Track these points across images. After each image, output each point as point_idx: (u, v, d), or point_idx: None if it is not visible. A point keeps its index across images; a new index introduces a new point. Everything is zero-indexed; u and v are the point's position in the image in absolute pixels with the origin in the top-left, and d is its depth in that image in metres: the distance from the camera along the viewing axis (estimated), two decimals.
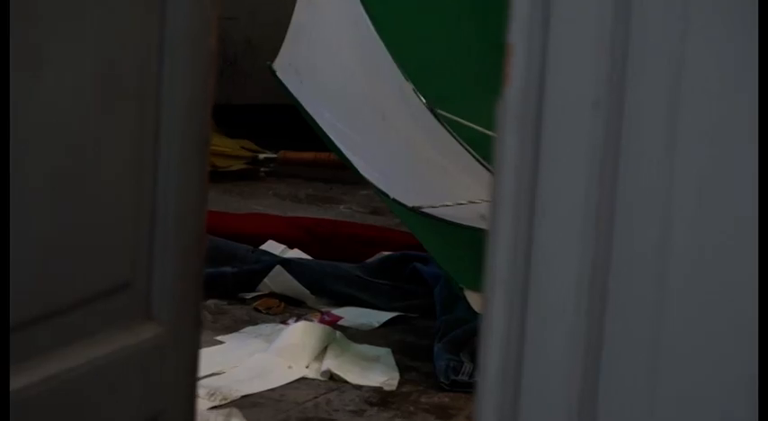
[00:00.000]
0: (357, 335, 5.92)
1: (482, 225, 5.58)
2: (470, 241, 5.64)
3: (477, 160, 6.07)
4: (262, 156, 8.17)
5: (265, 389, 5.42)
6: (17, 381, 2.43)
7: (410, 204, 5.90)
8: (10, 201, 2.34)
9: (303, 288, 6.32)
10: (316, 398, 5.41)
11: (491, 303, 1.98)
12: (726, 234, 1.93)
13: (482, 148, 5.98)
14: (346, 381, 5.53)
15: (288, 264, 6.46)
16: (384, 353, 5.71)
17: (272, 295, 6.32)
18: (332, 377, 5.55)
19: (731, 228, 1.93)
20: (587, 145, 1.95)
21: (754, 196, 1.90)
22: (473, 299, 5.58)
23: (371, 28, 6.26)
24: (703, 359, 1.96)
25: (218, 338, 5.73)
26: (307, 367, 5.60)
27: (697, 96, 1.93)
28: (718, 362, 1.95)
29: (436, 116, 6.18)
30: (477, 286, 5.52)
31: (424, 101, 6.20)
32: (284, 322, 6.00)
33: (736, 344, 1.92)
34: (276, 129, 7.61)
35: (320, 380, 5.54)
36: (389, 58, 6.22)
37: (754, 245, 1.90)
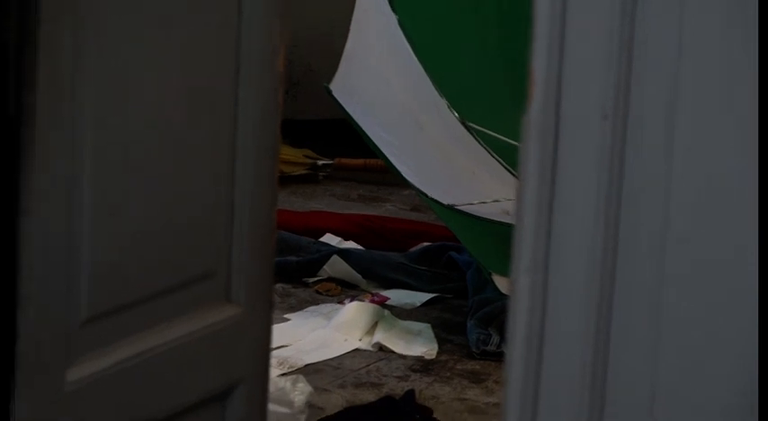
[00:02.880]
0: (402, 312, 5.91)
1: (506, 219, 5.57)
2: (496, 233, 5.63)
3: (503, 165, 6.04)
4: (320, 162, 8.14)
5: (325, 358, 5.41)
6: (123, 353, 2.44)
7: (445, 202, 5.88)
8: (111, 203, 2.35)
9: (356, 273, 6.31)
10: (367, 366, 5.41)
11: (517, 285, 1.98)
12: (714, 221, 1.92)
13: (507, 156, 5.96)
14: (393, 352, 5.52)
15: (343, 253, 6.45)
16: (424, 327, 5.70)
17: (330, 280, 6.31)
18: (381, 348, 5.55)
19: (720, 216, 1.92)
20: (597, 152, 1.95)
21: (738, 191, 1.90)
22: (499, 282, 5.56)
23: (411, 53, 6.23)
24: (699, 325, 1.96)
25: (286, 316, 5.72)
26: (360, 340, 5.60)
27: (690, 110, 1.92)
28: (713, 329, 1.94)
29: (467, 128, 6.16)
30: (502, 271, 5.50)
31: (456, 115, 6.17)
32: (341, 302, 5.99)
33: (727, 314, 1.91)
34: (332, 140, 7.60)
35: (371, 351, 5.54)
36: (427, 78, 6.19)
37: (739, 226, 1.89)
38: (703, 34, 1.96)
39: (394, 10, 6.24)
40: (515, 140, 5.58)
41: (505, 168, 6.01)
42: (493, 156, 6.10)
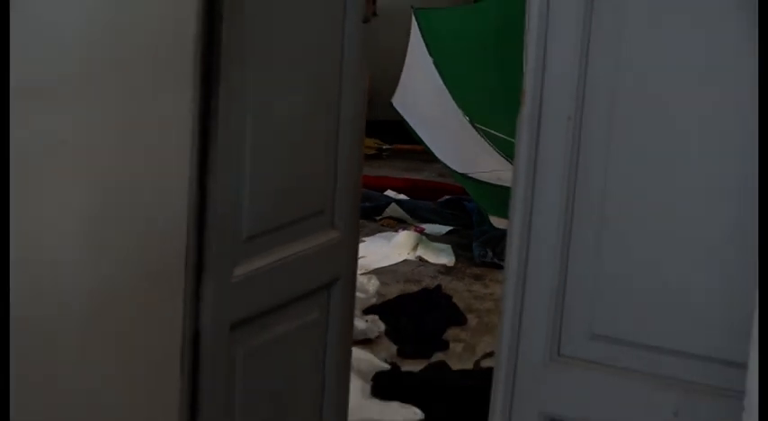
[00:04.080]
0: (433, 237, 5.90)
1: (498, 183, 5.55)
2: (492, 191, 5.61)
3: (497, 151, 6.02)
4: (384, 147, 8.14)
5: (387, 265, 5.42)
6: (268, 259, 2.43)
7: (460, 171, 5.87)
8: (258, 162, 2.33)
9: (405, 213, 6.31)
10: (412, 270, 5.41)
11: (513, 221, 1.96)
12: (639, 187, 1.89)
13: (500, 145, 5.93)
14: (428, 261, 5.52)
15: (397, 201, 6.44)
16: (447, 247, 5.70)
17: (389, 217, 6.31)
18: (420, 259, 5.54)
19: (645, 184, 1.89)
20: (563, 139, 1.92)
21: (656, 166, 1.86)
22: (493, 220, 5.55)
23: (440, 81, 6.21)
24: (621, 253, 1.92)
25: (363, 239, 5.73)
26: (408, 254, 5.59)
27: (627, 117, 1.89)
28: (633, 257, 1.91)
29: (474, 127, 6.13)
30: (495, 213, 5.49)
31: (468, 119, 6.14)
32: (396, 231, 5.99)
33: (642, 247, 1.89)
34: (391, 132, 7.56)
35: (414, 261, 5.54)
36: (450, 97, 6.20)
37: (659, 192, 1.86)
38: (640, 66, 1.92)
39: (431, 54, 6.22)
40: (506, 135, 5.57)
41: (498, 153, 5.97)
42: (490, 145, 6.07)
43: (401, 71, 6.38)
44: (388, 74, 6.46)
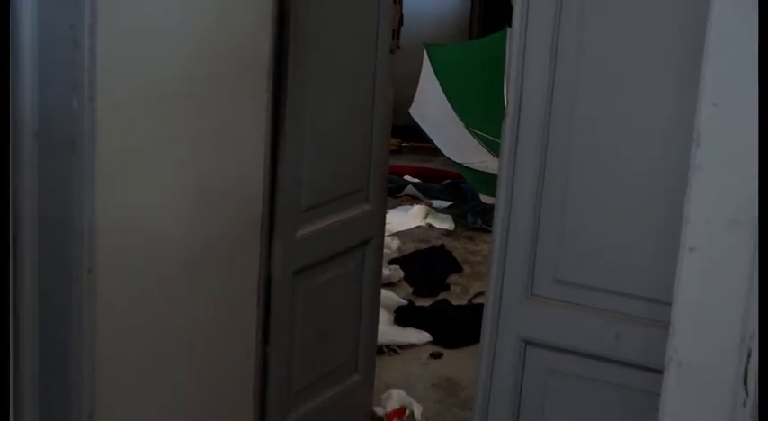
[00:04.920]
0: (438, 210, 5.83)
1: (486, 170, 5.49)
2: (482, 176, 5.55)
3: (486, 148, 5.94)
4: (403, 144, 8.04)
5: (405, 229, 5.35)
6: (321, 224, 2.40)
7: (458, 161, 5.81)
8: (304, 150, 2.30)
9: (419, 192, 6.22)
10: (423, 233, 5.34)
11: (499, 197, 1.91)
12: (591, 164, 1.84)
13: (488, 144, 5.87)
14: (434, 227, 5.46)
15: (413, 184, 6.37)
16: (448, 217, 5.60)
17: (407, 195, 6.24)
18: (430, 225, 5.48)
19: (595, 160, 1.84)
20: (535, 138, 1.86)
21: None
22: (483, 197, 5.49)
23: (445, 98, 6.16)
24: (577, 206, 1.87)
25: (388, 210, 5.64)
26: (420, 222, 5.54)
27: (582, 117, 1.84)
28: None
29: (469, 131, 6.07)
30: (484, 192, 5.43)
31: (464, 125, 6.09)
32: (411, 205, 5.91)
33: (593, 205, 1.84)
34: (409, 134, 7.47)
35: (425, 226, 5.47)
36: (452, 109, 6.13)
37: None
38: (591, 82, 1.87)
39: (437, 78, 6.18)
40: (493, 137, 5.49)
41: (486, 149, 5.90)
42: (480, 143, 5.99)
43: (416, 89, 6.31)
44: (407, 91, 6.39)
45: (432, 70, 6.21)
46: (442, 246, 5.01)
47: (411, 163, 7.35)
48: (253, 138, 2.09)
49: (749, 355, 1.35)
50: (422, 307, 4.03)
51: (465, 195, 6.01)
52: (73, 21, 1.60)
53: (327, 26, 2.28)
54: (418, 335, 3.67)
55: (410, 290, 4.30)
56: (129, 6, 1.70)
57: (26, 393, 1.72)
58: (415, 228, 5.45)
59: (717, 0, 1.41)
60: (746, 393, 1.35)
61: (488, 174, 5.35)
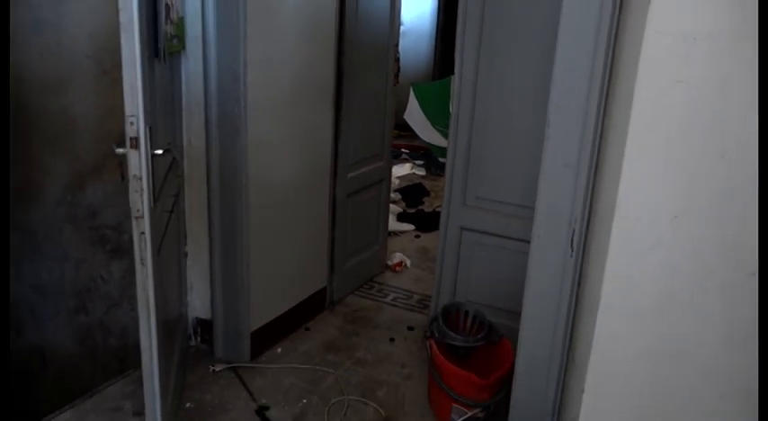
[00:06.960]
0: (418, 165, 5.53)
1: (441, 144, 5.32)
2: (439, 148, 5.38)
3: (442, 136, 5.73)
4: (400, 132, 7.77)
5: (401, 174, 5.20)
6: (358, 171, 2.26)
7: (427, 141, 5.63)
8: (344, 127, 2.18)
9: (408, 157, 5.93)
10: (410, 176, 5.22)
11: (449, 158, 1.83)
12: (495, 115, 1.66)
13: (444, 135, 5.66)
14: (415, 173, 5.21)
15: (406, 152, 6.08)
16: (422, 168, 5.36)
17: (402, 158, 5.97)
18: (414, 173, 5.28)
19: (498, 112, 1.66)
20: (468, 112, 1.66)
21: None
22: (441, 160, 5.30)
23: (421, 110, 5.95)
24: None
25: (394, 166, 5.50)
26: (408, 171, 5.37)
27: (485, 89, 1.71)
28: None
29: (434, 127, 5.88)
30: (440, 156, 5.27)
31: (431, 123, 5.90)
32: (404, 163, 5.67)
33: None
34: (402, 127, 7.25)
35: (411, 173, 5.30)
36: (425, 116, 5.92)
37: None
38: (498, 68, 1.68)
39: (417, 99, 5.95)
40: (445, 129, 5.31)
41: (441, 136, 5.68)
42: (439, 133, 5.78)
43: (407, 104, 6.09)
44: (401, 106, 6.20)
45: (415, 97, 6.00)
46: (420, 183, 4.93)
47: (404, 142, 7.18)
48: (326, 125, 2.05)
49: (573, 231, 1.31)
50: (410, 212, 4.01)
51: (431, 158, 5.88)
52: (235, 56, 1.60)
53: (364, 66, 2.19)
54: (408, 226, 3.67)
55: (404, 204, 4.26)
56: (262, 51, 1.69)
57: (216, 241, 1.73)
58: (406, 174, 5.34)
59: None
60: (572, 250, 1.32)
61: (442, 147, 5.20)
